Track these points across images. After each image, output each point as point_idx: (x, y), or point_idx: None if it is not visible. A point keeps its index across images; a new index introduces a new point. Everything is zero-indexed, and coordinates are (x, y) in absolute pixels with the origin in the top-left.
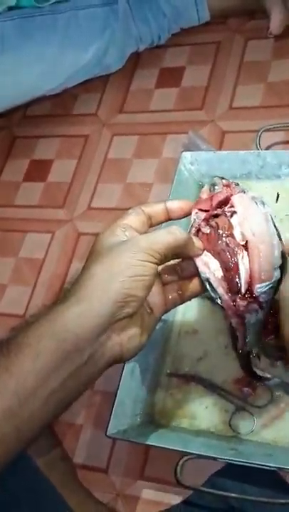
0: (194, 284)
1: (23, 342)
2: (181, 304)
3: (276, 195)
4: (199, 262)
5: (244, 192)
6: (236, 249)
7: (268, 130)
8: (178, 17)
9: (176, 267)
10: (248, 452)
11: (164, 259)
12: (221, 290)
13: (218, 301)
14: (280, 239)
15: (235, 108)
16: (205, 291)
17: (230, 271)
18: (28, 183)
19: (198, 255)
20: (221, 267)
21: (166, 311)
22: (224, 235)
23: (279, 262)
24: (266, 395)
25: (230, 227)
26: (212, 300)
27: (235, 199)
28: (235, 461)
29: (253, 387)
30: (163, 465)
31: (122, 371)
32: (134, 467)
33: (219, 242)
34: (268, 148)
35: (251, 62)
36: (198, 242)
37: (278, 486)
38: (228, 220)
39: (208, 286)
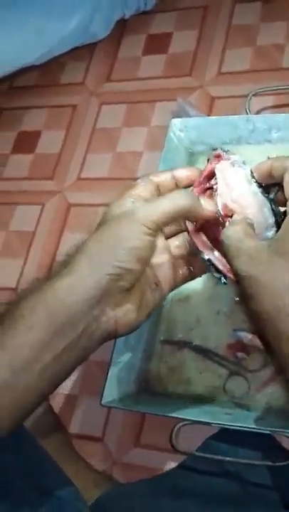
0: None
1: (16, 314)
2: (191, 280)
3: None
4: (199, 241)
5: (228, 160)
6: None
7: (257, 94)
8: None
9: (186, 242)
10: (242, 416)
11: (163, 227)
12: (223, 269)
13: (223, 281)
14: (268, 195)
15: (224, 73)
16: (208, 271)
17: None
18: (16, 155)
19: (209, 216)
20: None
21: (176, 286)
22: None
23: (271, 219)
24: (260, 359)
25: None
26: (219, 279)
27: (217, 169)
28: (230, 425)
29: (247, 352)
30: (158, 432)
31: (116, 340)
32: (130, 435)
33: None
34: (258, 112)
35: (239, 25)
36: (207, 203)
37: (272, 449)
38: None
39: (209, 267)
